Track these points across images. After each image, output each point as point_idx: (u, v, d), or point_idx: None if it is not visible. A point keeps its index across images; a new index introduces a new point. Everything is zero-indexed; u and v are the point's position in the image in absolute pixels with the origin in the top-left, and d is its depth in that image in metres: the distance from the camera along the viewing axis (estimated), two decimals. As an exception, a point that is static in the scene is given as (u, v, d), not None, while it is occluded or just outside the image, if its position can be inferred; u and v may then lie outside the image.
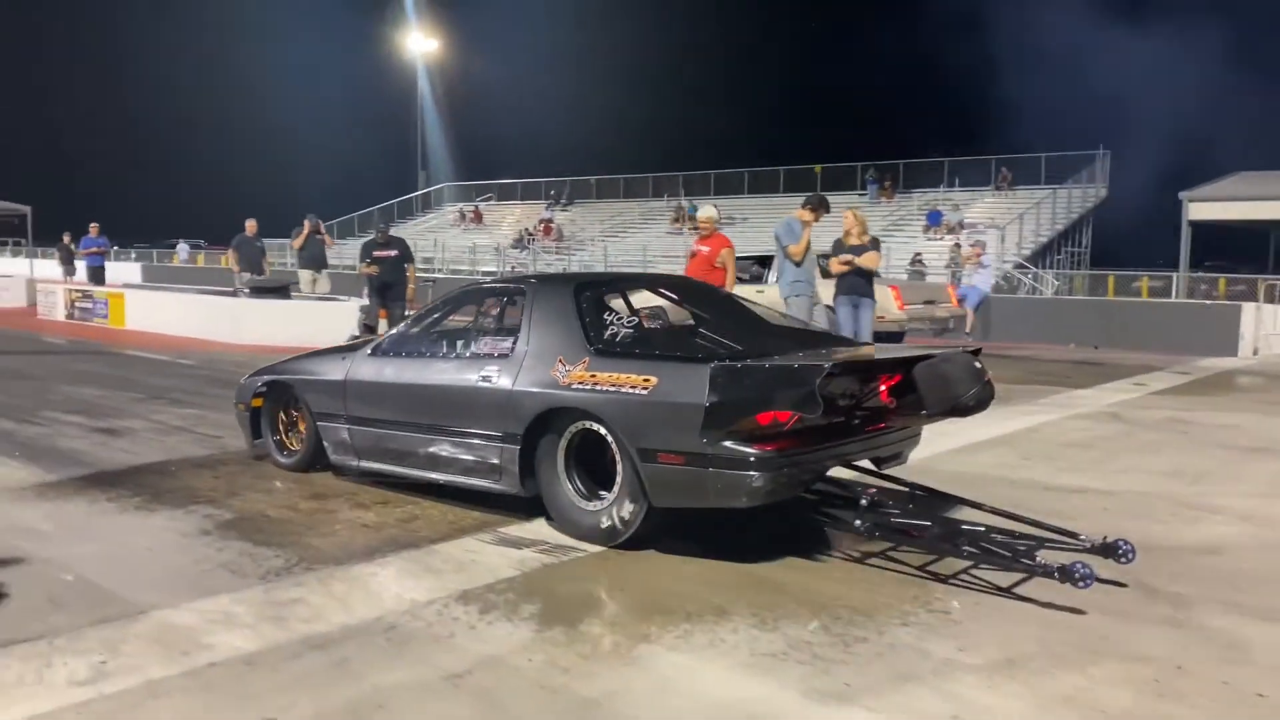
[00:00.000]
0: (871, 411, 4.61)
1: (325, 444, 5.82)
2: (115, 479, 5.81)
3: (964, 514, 4.70)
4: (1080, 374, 11.74)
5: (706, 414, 4.05)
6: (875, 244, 9.25)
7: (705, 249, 9.69)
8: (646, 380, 4.29)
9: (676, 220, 37.69)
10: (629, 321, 5.02)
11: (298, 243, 15.14)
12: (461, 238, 42.01)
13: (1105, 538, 4.14)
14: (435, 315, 5.80)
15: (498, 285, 5.83)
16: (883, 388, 4.56)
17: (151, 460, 6.35)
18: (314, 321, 13.31)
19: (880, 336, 11.98)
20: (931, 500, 4.89)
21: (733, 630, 3.55)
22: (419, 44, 49.55)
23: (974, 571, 4.14)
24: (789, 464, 4.14)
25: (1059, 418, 8.29)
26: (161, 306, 16.48)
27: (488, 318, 5.77)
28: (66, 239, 25.36)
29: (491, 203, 46.98)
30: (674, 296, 5.92)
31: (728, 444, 4.06)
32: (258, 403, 6.23)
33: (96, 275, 20.52)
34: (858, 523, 4.24)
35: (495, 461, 4.87)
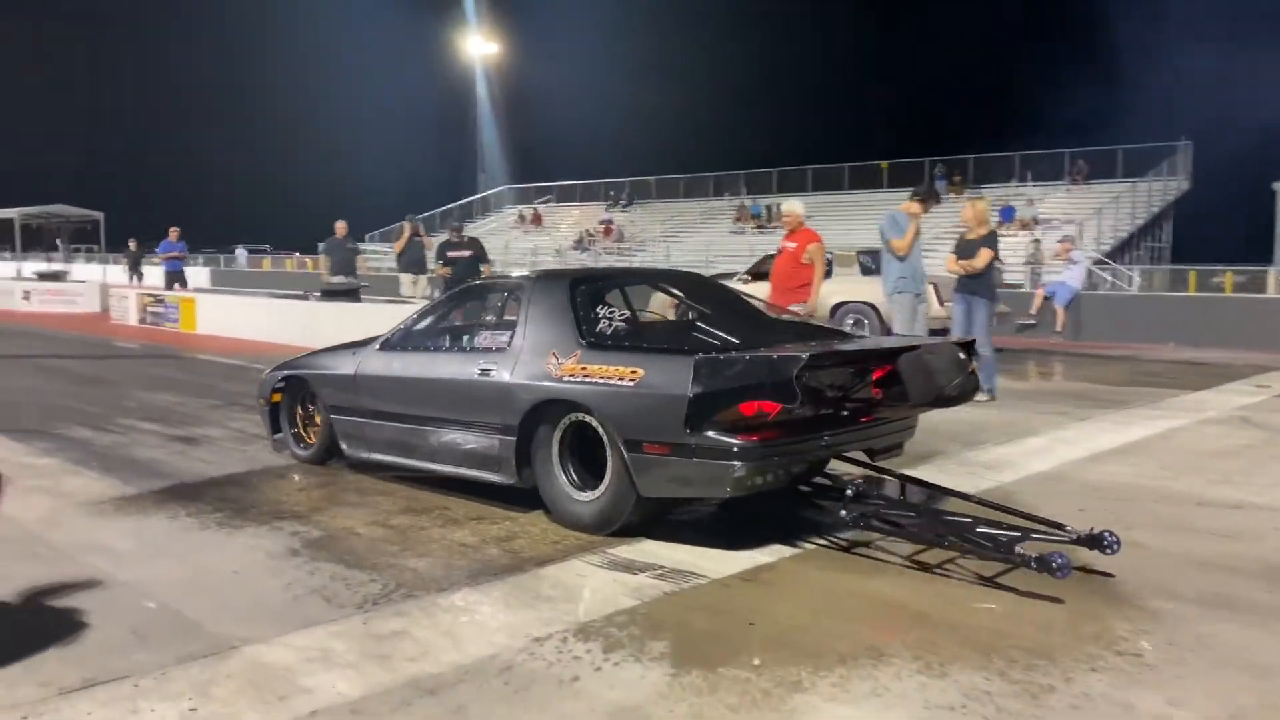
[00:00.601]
0: (862, 403, 4.61)
1: (338, 436, 5.96)
2: (195, 492, 5.53)
3: (954, 506, 4.69)
4: (1189, 375, 11.03)
5: (690, 404, 4.11)
6: (989, 239, 8.66)
7: (792, 245, 9.24)
8: (634, 372, 4.39)
9: (739, 219, 37.22)
10: (621, 315, 5.09)
11: (398, 246, 14.81)
12: (522, 240, 41.94)
13: (1091, 529, 4.07)
14: (441, 310, 6.01)
15: (499, 281, 6.01)
16: (873, 379, 4.58)
17: (232, 471, 6.07)
18: (387, 324, 13.04)
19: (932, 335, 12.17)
20: (923, 492, 4.93)
21: (895, 676, 3.10)
22: (479, 47, 49.62)
23: (960, 561, 4.13)
24: (774, 454, 4.20)
25: (1189, 423, 7.67)
26: (233, 311, 16.43)
27: (489, 313, 5.92)
28: (133, 245, 25.66)
29: (551, 204, 46.87)
30: (678, 292, 6.05)
31: (711, 434, 4.12)
32: (277, 398, 6.41)
33: (176, 279, 19.98)
34: (843, 513, 4.31)
35: (494, 453, 4.98)
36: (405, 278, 14.83)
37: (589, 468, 4.68)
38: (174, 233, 20.03)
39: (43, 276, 25.31)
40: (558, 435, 4.75)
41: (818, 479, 4.90)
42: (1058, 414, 8.12)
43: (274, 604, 3.77)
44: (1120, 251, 27.26)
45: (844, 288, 12.84)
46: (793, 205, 9.39)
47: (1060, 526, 4.17)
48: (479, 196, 49.92)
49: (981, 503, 4.63)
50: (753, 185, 40.15)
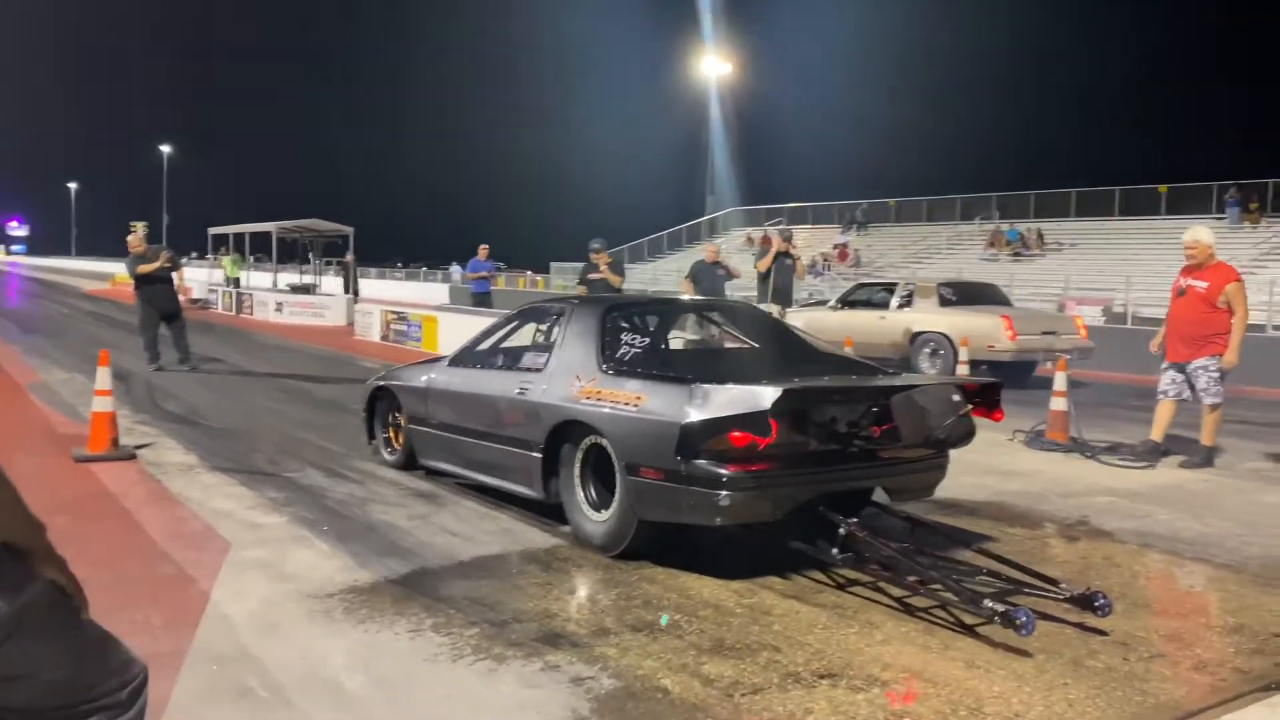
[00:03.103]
0: (866, 440, 4.56)
1: (415, 446, 6.39)
2: (442, 584, 4.30)
3: (959, 553, 4.53)
4: None
5: (681, 431, 4.14)
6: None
7: (1201, 285, 7.29)
8: (638, 398, 4.51)
9: (992, 244, 34.33)
10: (643, 343, 5.32)
11: (764, 264, 12.27)
12: (750, 262, 40.57)
13: (1087, 588, 3.92)
14: (504, 330, 6.32)
15: (549, 304, 6.20)
16: (871, 417, 4.52)
17: (485, 551, 4.84)
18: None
19: (1001, 368, 11.95)
20: (931, 535, 4.70)
21: None
22: (713, 68, 48.80)
23: (950, 608, 3.92)
24: (764, 487, 4.21)
25: None
26: (474, 330, 15.75)
27: (540, 333, 6.19)
28: (350, 258, 25.92)
29: (781, 227, 45.38)
30: (720, 321, 6.35)
31: (700, 462, 4.16)
32: (371, 407, 6.89)
33: (482, 301, 17.72)
34: (835, 551, 4.22)
35: (525, 467, 5.18)
36: (771, 310, 11.77)
37: (610, 490, 4.70)
38: (483, 251, 17.66)
39: (294, 289, 26.15)
40: (579, 455, 4.88)
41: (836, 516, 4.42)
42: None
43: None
44: None
45: (923, 318, 13.27)
46: (1200, 233, 7.48)
47: (1054, 583, 4.00)
48: (707, 218, 49.09)
49: (986, 553, 4.49)
50: (1006, 209, 37.14)
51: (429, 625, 3.80)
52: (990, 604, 3.66)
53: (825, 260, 37.55)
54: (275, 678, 3.27)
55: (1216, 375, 7.29)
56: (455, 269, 50.18)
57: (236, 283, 27.56)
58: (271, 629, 3.72)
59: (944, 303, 13.41)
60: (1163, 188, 33.54)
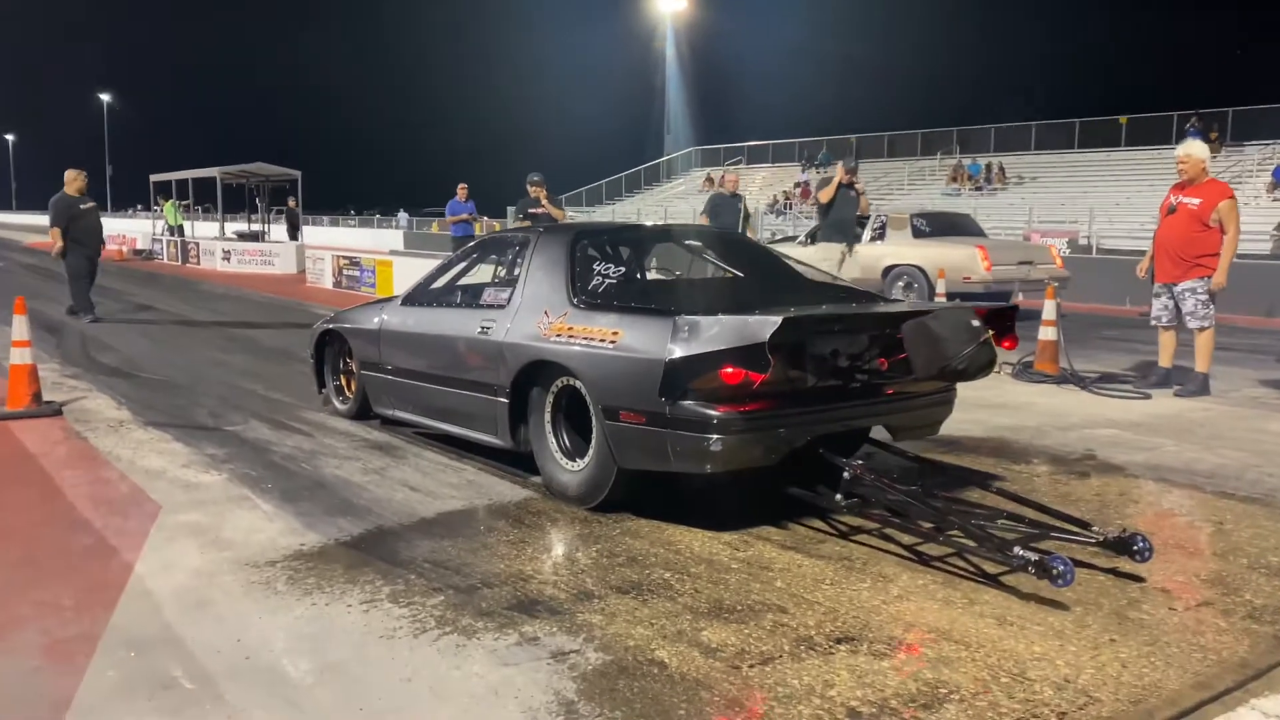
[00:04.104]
0: (870, 374, 4.16)
1: (368, 393, 5.93)
2: (401, 548, 3.82)
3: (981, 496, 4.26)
4: None
5: (665, 369, 3.76)
6: None
7: (1193, 202, 6.92)
8: (615, 334, 4.10)
9: (954, 179, 33.99)
10: (618, 273, 4.82)
11: (826, 193, 10.34)
12: (701, 206, 39.91)
13: (1123, 530, 3.52)
14: (461, 265, 5.77)
15: (511, 234, 5.70)
16: (876, 348, 4.13)
17: (449, 507, 4.36)
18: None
19: (975, 301, 10.25)
20: (938, 475, 4.41)
21: None
22: (668, 2, 47.62)
23: (968, 556, 3.54)
24: (759, 428, 3.82)
25: None
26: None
27: (501, 268, 5.59)
28: (291, 203, 24.98)
29: (741, 166, 44.73)
30: (699, 248, 5.74)
31: (688, 403, 3.77)
32: (320, 353, 6.39)
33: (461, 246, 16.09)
34: (839, 497, 3.85)
35: (490, 414, 4.78)
36: (831, 249, 10.46)
37: (584, 436, 4.31)
38: (462, 190, 15.37)
39: (242, 237, 25.13)
40: (549, 400, 4.49)
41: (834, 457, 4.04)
42: None
43: None
44: None
45: (896, 250, 12.84)
46: (1192, 147, 7.10)
47: (1086, 526, 3.63)
48: (665, 159, 48.27)
49: (1002, 493, 4.14)
50: (966, 143, 36.79)
51: (386, 594, 3.32)
52: (1021, 551, 3.26)
53: (788, 198, 37.07)
54: (204, 665, 2.78)
55: (1205, 298, 6.96)
56: (403, 215, 48.92)
57: (180, 231, 26.45)
58: (202, 606, 3.22)
59: (917, 234, 13.09)
60: (1123, 119, 33.31)
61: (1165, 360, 7.35)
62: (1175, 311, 7.14)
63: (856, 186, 10.45)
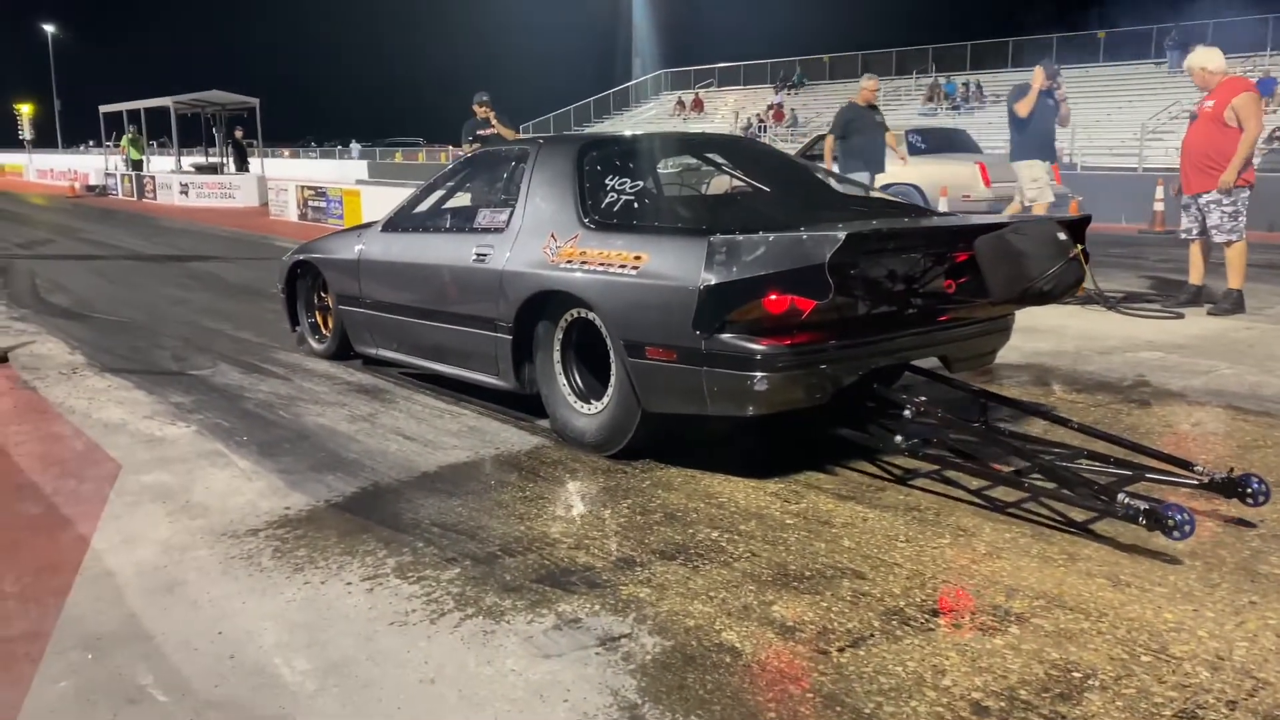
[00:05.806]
0: (931, 299, 3.68)
1: (348, 331, 5.42)
2: (403, 508, 3.32)
3: (1046, 432, 3.82)
4: None
5: (701, 298, 3.28)
6: None
7: (1210, 104, 6.54)
8: (638, 258, 3.58)
9: (930, 99, 33.25)
10: (635, 188, 4.11)
11: (1025, 105, 7.89)
12: (683, 128, 38.96)
13: (1231, 470, 3.08)
14: (449, 185, 5.25)
15: (508, 149, 5.06)
16: (942, 269, 3.63)
17: (452, 459, 3.85)
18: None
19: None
20: (1009, 413, 3.99)
21: None
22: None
23: (1045, 500, 3.12)
24: (810, 363, 3.33)
25: None
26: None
27: (495, 187, 4.97)
28: (239, 133, 23.88)
29: (712, 89, 43.70)
30: (721, 161, 5.11)
31: (726, 337, 3.30)
32: (291, 287, 5.86)
33: None
34: (899, 439, 3.39)
35: (491, 352, 4.31)
36: (1025, 169, 8.22)
37: (600, 375, 3.88)
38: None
39: (200, 169, 24.04)
40: (559, 335, 4.03)
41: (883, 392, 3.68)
42: None
43: None
44: None
45: (891, 168, 11.31)
46: (1195, 58, 6.86)
47: (1189, 465, 3.19)
48: (634, 83, 47.07)
49: (1083, 429, 3.60)
50: (943, 61, 35.96)
51: (391, 568, 2.83)
52: (1126, 499, 2.81)
53: (761, 121, 36.22)
54: (179, 669, 2.28)
55: (1231, 210, 6.57)
56: (355, 146, 47.24)
57: (139, 165, 25.27)
58: (173, 589, 2.71)
59: (913, 151, 12.51)
60: (1101, 33, 32.65)
61: (1195, 277, 6.97)
62: (1204, 224, 6.74)
63: (1057, 94, 8.40)
